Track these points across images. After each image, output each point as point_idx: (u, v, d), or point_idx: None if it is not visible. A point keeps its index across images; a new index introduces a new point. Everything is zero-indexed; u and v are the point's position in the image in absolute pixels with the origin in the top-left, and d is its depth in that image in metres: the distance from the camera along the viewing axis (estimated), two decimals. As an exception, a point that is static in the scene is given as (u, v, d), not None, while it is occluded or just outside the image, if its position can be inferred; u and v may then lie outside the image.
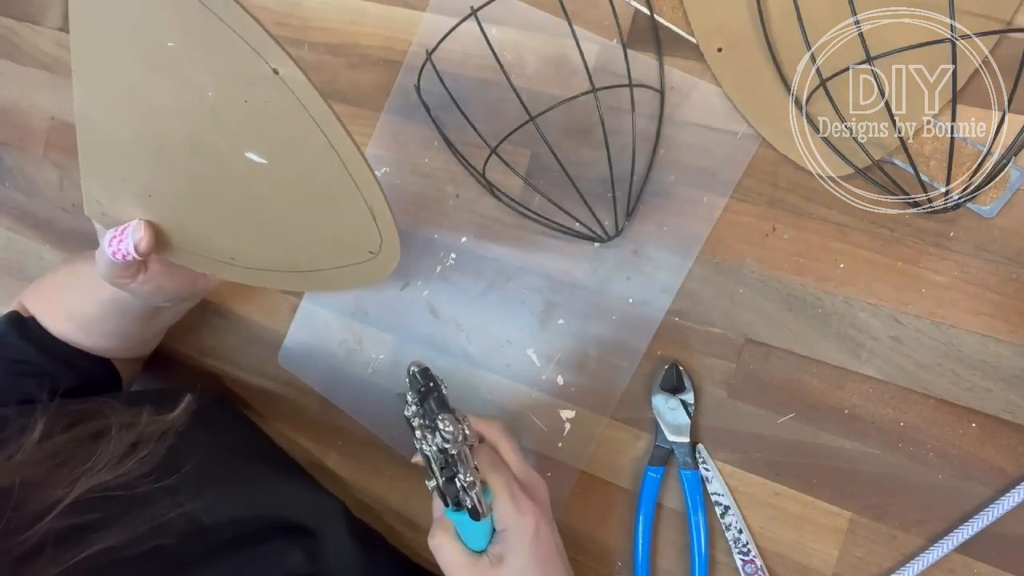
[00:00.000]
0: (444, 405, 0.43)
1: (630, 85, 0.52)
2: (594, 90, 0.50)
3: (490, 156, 0.51)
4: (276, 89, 0.36)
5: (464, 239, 0.59)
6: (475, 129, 0.54)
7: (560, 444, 0.57)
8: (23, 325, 0.59)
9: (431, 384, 0.44)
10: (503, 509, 0.44)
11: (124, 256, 0.43)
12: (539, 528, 0.44)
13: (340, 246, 0.45)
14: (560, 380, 0.57)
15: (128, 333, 0.61)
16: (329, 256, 0.46)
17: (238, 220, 0.44)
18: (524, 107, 0.49)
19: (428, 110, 0.57)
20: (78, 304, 0.59)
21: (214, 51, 0.35)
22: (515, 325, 0.58)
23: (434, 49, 0.53)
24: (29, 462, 0.41)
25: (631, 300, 0.55)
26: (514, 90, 0.49)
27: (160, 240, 0.44)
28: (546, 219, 0.55)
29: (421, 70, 0.56)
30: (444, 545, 0.45)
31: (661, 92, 0.53)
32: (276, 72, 0.35)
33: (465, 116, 0.55)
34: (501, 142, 0.50)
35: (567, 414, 0.57)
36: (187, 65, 0.36)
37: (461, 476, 0.43)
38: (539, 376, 0.57)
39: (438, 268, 0.60)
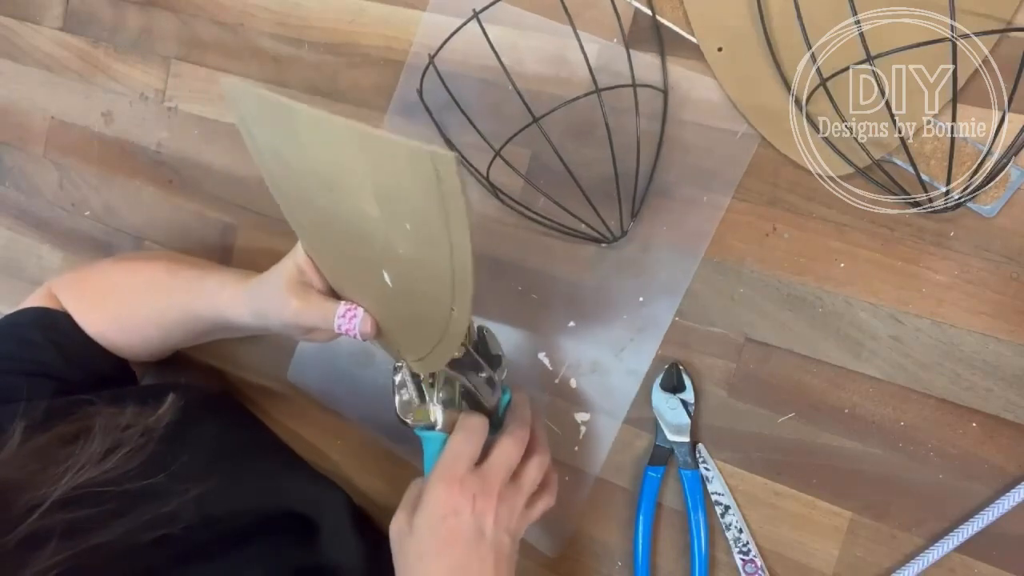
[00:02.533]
0: None
1: (633, 85, 0.52)
2: (597, 90, 0.50)
3: (494, 159, 0.51)
4: (445, 318, 0.40)
5: (465, 240, 0.59)
6: (478, 131, 0.54)
7: (576, 448, 0.56)
8: (51, 326, 0.57)
9: None
10: (433, 473, 0.45)
11: (348, 332, 0.47)
12: (455, 511, 0.43)
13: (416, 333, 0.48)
14: (573, 383, 0.57)
15: (173, 344, 0.61)
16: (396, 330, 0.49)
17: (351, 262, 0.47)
18: (528, 108, 0.48)
19: (431, 114, 0.57)
20: (133, 309, 0.58)
21: (428, 257, 0.38)
22: (524, 329, 0.58)
23: (436, 53, 0.53)
24: (11, 463, 0.41)
25: (641, 299, 0.54)
26: (517, 92, 0.49)
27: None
28: (551, 221, 0.55)
29: (423, 74, 0.56)
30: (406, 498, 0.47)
31: (664, 92, 0.53)
32: (452, 310, 0.39)
33: (469, 119, 0.55)
34: (505, 144, 0.50)
35: (582, 417, 0.56)
36: (403, 236, 0.38)
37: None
38: (551, 380, 0.57)
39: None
